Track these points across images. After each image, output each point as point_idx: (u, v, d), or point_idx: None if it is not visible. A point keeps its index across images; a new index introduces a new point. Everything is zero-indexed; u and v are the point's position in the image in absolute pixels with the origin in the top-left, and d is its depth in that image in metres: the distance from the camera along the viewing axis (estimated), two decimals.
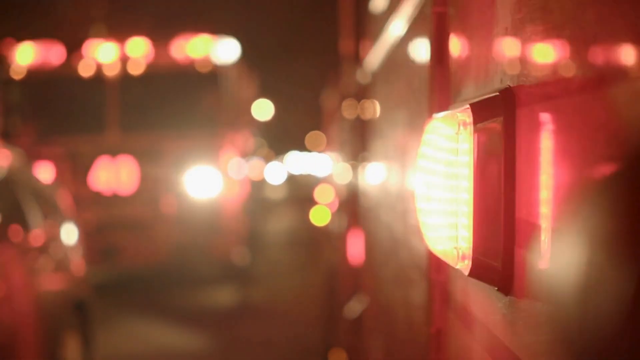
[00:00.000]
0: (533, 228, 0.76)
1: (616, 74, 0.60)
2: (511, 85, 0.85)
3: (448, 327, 1.27)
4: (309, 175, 29.11)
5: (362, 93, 3.55)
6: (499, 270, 0.82)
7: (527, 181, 0.78)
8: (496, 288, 0.85)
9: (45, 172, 8.85)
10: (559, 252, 0.51)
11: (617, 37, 0.59)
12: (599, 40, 0.63)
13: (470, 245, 0.90)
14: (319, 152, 23.51)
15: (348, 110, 4.78)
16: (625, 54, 0.58)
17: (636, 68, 0.56)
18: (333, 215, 7.47)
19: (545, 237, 0.72)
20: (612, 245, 0.43)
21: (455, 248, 0.96)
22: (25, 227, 4.85)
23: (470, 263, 0.90)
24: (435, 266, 1.32)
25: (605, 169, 0.51)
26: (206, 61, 9.82)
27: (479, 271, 0.89)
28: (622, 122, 0.57)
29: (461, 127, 0.95)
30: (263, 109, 19.99)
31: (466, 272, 0.92)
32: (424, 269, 1.46)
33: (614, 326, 0.42)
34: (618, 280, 0.41)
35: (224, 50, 10.34)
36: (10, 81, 9.74)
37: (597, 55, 0.63)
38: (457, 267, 0.96)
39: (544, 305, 0.71)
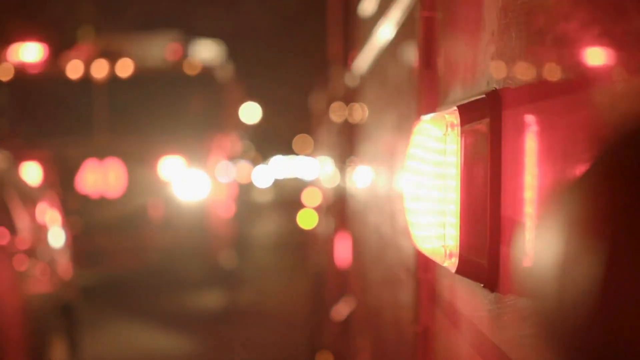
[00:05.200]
0: (518, 226, 0.78)
1: (597, 76, 0.62)
2: (497, 87, 0.87)
3: (435, 325, 1.29)
4: (296, 179, 29.09)
5: (350, 96, 3.57)
6: (485, 267, 0.85)
7: (512, 180, 0.81)
8: (482, 285, 0.87)
9: (32, 175, 8.80)
10: (542, 249, 0.54)
11: (598, 41, 0.62)
12: (581, 44, 0.65)
13: (457, 243, 0.92)
14: (307, 155, 23.52)
15: (336, 114, 4.80)
16: (605, 58, 0.61)
17: (616, 71, 0.58)
18: (320, 218, 7.49)
19: (529, 234, 0.74)
20: (591, 242, 0.45)
21: (443, 246, 0.98)
22: (12, 229, 4.83)
23: (457, 260, 0.93)
24: (423, 265, 1.34)
25: (587, 168, 0.53)
26: (194, 64, 9.81)
27: (465, 268, 0.91)
28: (602, 122, 0.59)
29: (449, 129, 0.97)
30: (251, 112, 19.99)
31: (453, 270, 0.94)
32: (411, 268, 1.48)
33: (590, 316, 0.44)
34: (594, 276, 0.44)
35: (212, 53, 10.34)
36: None
37: (580, 59, 0.66)
38: (445, 264, 0.98)
39: (527, 300, 0.74)
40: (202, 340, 7.38)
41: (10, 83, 9.67)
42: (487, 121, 0.85)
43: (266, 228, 18.95)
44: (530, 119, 0.77)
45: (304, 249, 10.64)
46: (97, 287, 9.62)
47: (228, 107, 11.38)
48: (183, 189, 9.56)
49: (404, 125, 1.67)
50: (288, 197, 23.44)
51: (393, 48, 1.97)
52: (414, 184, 1.10)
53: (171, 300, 9.32)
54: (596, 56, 0.63)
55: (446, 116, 0.97)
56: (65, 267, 5.63)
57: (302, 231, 10.82)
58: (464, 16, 1.08)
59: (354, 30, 3.44)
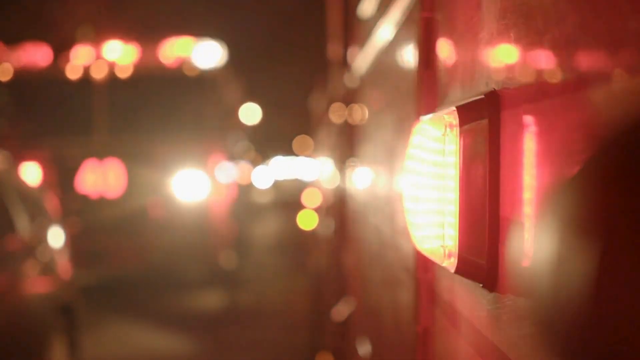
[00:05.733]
0: (516, 226, 0.78)
1: (595, 76, 0.62)
2: (496, 88, 0.87)
3: (435, 325, 1.30)
4: (296, 179, 29.09)
5: (350, 97, 3.57)
6: (484, 267, 0.85)
7: (511, 181, 0.81)
8: (481, 285, 0.88)
9: (32, 175, 8.80)
10: (540, 249, 0.54)
11: (596, 41, 0.62)
12: (579, 44, 0.65)
13: (456, 243, 0.93)
14: (307, 156, 23.52)
15: (336, 114, 4.81)
16: (604, 58, 0.61)
17: (614, 71, 0.59)
18: (320, 219, 7.49)
19: (527, 234, 0.75)
20: (589, 242, 0.45)
21: (442, 246, 0.99)
22: (12, 230, 4.83)
23: (456, 260, 0.93)
24: (422, 265, 1.35)
25: (585, 168, 0.54)
26: (194, 64, 9.82)
27: (464, 268, 0.92)
28: (600, 122, 0.60)
29: (448, 129, 0.97)
30: (250, 113, 20.00)
31: (452, 270, 0.94)
32: (411, 269, 1.49)
33: (588, 316, 0.44)
34: (593, 275, 0.44)
35: (212, 53, 10.35)
36: None
37: (578, 59, 0.66)
38: (444, 264, 0.98)
39: (526, 300, 0.74)
40: (202, 340, 7.38)
41: (10, 83, 9.67)
42: (486, 122, 0.85)
43: (266, 229, 18.95)
44: (528, 119, 0.77)
45: (303, 249, 10.64)
46: (96, 288, 9.62)
47: (228, 107, 11.39)
48: (183, 190, 9.56)
49: (404, 126, 1.67)
50: (288, 197, 23.45)
51: (392, 49, 1.97)
52: (413, 185, 1.11)
53: (171, 301, 9.32)
54: (594, 57, 0.63)
55: (445, 116, 0.97)
56: (64, 267, 5.63)
57: (302, 232, 10.82)
58: (463, 17, 1.08)
59: (354, 31, 3.44)
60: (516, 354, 0.80)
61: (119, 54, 9.72)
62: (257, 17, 21.54)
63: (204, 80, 9.88)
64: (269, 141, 27.66)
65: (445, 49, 1.25)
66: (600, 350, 0.44)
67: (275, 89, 24.63)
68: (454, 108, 0.94)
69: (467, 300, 1.02)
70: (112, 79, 9.64)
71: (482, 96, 0.88)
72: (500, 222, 0.83)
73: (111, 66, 9.67)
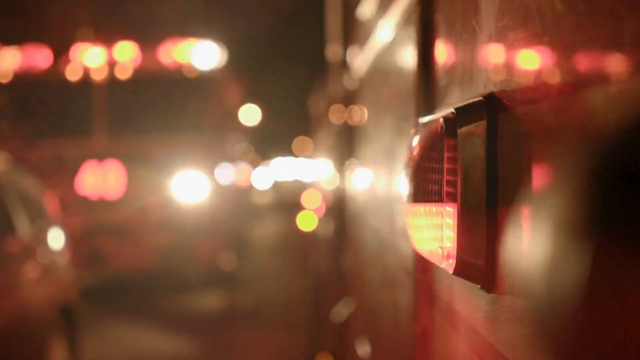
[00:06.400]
0: (514, 227, 0.79)
1: (593, 79, 0.63)
2: (494, 90, 0.88)
3: (433, 326, 1.30)
4: (296, 181, 29.10)
5: (349, 98, 3.58)
6: (482, 268, 0.85)
7: (509, 182, 0.81)
8: (479, 286, 0.88)
9: (32, 176, 8.80)
10: (538, 250, 0.54)
11: (594, 44, 0.62)
12: (577, 47, 0.66)
13: (455, 244, 0.93)
14: (306, 157, 23.53)
15: (335, 116, 4.81)
16: (601, 61, 0.61)
17: (612, 73, 0.59)
18: (320, 220, 7.50)
19: (525, 236, 0.75)
20: (586, 243, 0.46)
21: (440, 248, 0.99)
22: (12, 231, 4.84)
23: (454, 262, 0.93)
24: (421, 267, 1.35)
25: (583, 171, 0.54)
26: (193, 66, 9.82)
27: (463, 269, 0.92)
28: (598, 124, 0.60)
29: (446, 131, 0.97)
30: (250, 114, 20.00)
31: (451, 271, 0.95)
32: (410, 270, 1.49)
33: (582, 316, 0.45)
34: (590, 276, 0.44)
35: (211, 55, 10.35)
36: None
37: (576, 62, 0.66)
38: (442, 266, 0.98)
39: (523, 300, 0.74)
40: (201, 342, 7.38)
41: (10, 85, 9.68)
42: (484, 123, 0.86)
43: (265, 230, 18.96)
44: (527, 121, 0.77)
45: (303, 250, 10.64)
46: (96, 289, 9.62)
47: (227, 109, 11.39)
48: (183, 191, 9.56)
49: (403, 127, 1.67)
50: (287, 199, 23.45)
51: (392, 50, 1.97)
52: (412, 186, 1.11)
53: (171, 302, 9.32)
54: (592, 59, 0.63)
55: (444, 118, 0.98)
56: (64, 269, 5.63)
57: (301, 233, 10.82)
58: (462, 19, 1.08)
59: (353, 32, 3.45)
60: (514, 354, 0.80)
61: (119, 56, 9.72)
62: (257, 18, 21.54)
63: (204, 82, 9.88)
64: (269, 142, 27.69)
65: (444, 51, 1.25)
66: (596, 351, 0.44)
67: (274, 90, 24.64)
68: (453, 110, 0.94)
69: (466, 301, 1.02)
70: (112, 81, 9.64)
71: (481, 98, 0.88)
72: (498, 223, 0.83)
73: (111, 68, 9.67)
